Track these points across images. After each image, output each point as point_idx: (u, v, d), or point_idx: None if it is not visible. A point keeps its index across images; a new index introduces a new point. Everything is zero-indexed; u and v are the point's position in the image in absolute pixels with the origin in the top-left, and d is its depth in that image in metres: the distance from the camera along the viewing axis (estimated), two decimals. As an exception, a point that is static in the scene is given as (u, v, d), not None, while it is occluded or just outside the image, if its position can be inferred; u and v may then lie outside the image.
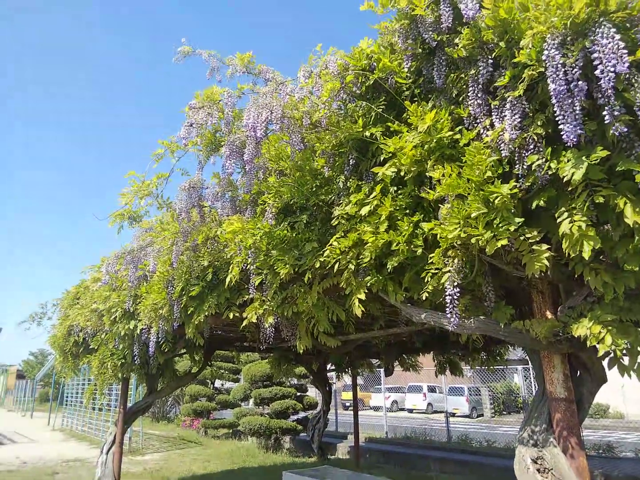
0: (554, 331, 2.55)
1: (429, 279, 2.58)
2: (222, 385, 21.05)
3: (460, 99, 2.59)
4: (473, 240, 2.24)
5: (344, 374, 10.48)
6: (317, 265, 3.07)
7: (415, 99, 2.74)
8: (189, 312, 4.09)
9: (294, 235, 3.25)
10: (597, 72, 1.88)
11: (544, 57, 1.98)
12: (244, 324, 3.63)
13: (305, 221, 3.27)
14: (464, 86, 2.53)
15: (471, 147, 2.28)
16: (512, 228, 2.16)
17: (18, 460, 10.98)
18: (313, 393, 17.84)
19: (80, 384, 17.64)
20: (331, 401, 10.91)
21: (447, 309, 2.44)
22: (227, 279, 3.50)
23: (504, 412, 22.78)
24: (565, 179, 2.04)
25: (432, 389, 24.71)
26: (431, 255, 2.50)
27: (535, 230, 2.24)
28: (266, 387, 13.15)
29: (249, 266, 3.34)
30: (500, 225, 2.18)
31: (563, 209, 2.13)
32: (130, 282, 4.24)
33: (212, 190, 3.74)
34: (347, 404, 24.66)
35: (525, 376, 20.53)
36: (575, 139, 1.95)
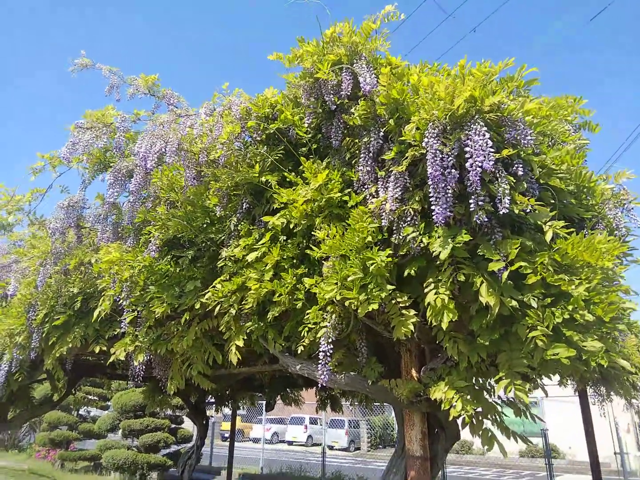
0: (415, 391, 2.70)
1: (306, 333, 2.61)
2: (89, 412, 19.10)
3: (353, 162, 2.72)
4: (347, 303, 2.32)
5: (224, 406, 10.11)
6: (198, 306, 2.96)
7: (312, 156, 2.82)
8: (50, 342, 3.69)
9: (177, 270, 3.11)
10: (467, 164, 2.09)
11: (424, 143, 2.15)
12: (111, 359, 3.35)
13: (191, 257, 3.16)
14: (357, 151, 2.67)
15: (355, 212, 2.39)
16: (383, 295, 2.27)
17: None
18: (189, 425, 16.90)
19: None
20: (206, 436, 10.41)
21: (320, 365, 2.47)
22: (96, 313, 3.23)
23: (379, 446, 23.49)
24: (434, 254, 2.21)
25: (314, 421, 24.71)
26: (308, 311, 2.54)
27: (406, 296, 2.38)
28: (138, 418, 12.18)
29: (122, 301, 3.11)
30: (374, 290, 2.29)
31: (430, 280, 2.30)
32: (-18, 303, 3.73)
33: (94, 212, 3.48)
34: (226, 435, 23.64)
35: (401, 412, 21.50)
36: (443, 221, 2.14)
